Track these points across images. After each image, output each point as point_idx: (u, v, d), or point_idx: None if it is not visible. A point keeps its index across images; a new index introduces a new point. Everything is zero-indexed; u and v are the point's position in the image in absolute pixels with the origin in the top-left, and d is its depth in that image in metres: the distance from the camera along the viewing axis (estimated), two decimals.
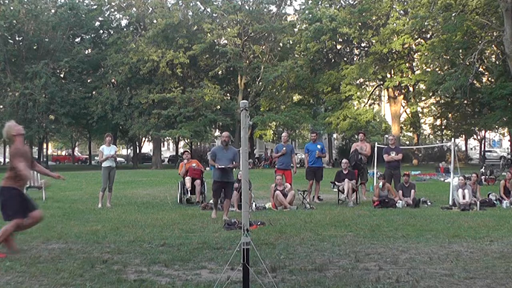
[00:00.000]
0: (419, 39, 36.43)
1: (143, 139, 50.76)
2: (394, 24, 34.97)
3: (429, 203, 12.26)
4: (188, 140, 45.76)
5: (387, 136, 26.71)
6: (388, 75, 38.13)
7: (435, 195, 14.27)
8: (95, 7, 41.40)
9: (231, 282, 4.86)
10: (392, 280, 5.04)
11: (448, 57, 32.45)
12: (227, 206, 9.74)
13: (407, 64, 37.73)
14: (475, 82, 32.68)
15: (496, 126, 40.00)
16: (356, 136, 14.24)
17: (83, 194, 15.24)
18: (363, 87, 41.52)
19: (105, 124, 40.40)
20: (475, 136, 47.80)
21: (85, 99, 39.50)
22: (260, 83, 39.50)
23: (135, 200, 13.29)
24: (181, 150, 48.08)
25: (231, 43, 38.02)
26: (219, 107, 40.29)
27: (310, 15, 37.70)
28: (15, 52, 38.39)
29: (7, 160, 57.45)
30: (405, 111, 42.21)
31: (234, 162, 9.62)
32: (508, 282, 4.98)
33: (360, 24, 36.85)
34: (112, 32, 42.46)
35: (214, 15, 40.31)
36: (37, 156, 49.35)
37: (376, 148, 15.51)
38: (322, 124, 38.36)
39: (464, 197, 11.40)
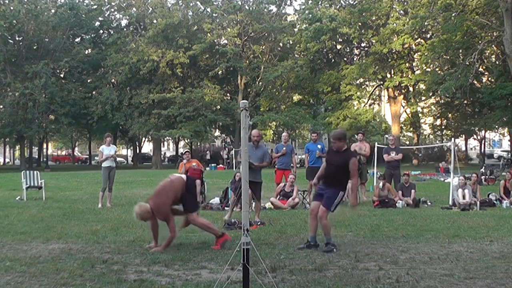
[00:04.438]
0: (419, 39, 36.41)
1: (143, 139, 50.76)
2: (394, 24, 34.94)
3: (429, 203, 12.25)
4: (188, 140, 45.76)
5: (387, 136, 26.70)
6: (388, 75, 38.11)
7: (435, 195, 14.26)
8: (95, 7, 41.41)
9: (231, 282, 4.86)
10: (392, 280, 5.04)
11: (448, 57, 32.43)
12: (258, 208, 9.11)
13: (407, 64, 37.70)
14: (475, 82, 32.65)
15: (496, 126, 39.98)
16: (356, 136, 14.18)
17: (83, 194, 15.23)
18: (363, 87, 41.51)
19: (105, 124, 40.40)
20: (475, 136, 47.80)
21: (85, 99, 39.50)
22: (260, 83, 39.50)
23: (135, 200, 13.23)
24: (181, 150, 48.07)
25: (231, 43, 38.02)
26: (219, 107, 40.30)
27: (310, 15, 37.67)
28: (15, 52, 38.36)
29: (7, 160, 57.60)
30: (405, 111, 42.19)
31: (264, 162, 9.05)
32: (508, 282, 4.98)
33: (360, 24, 36.82)
34: (112, 32, 42.48)
35: (214, 15, 40.32)
36: (37, 156, 49.45)
37: (376, 148, 15.50)
38: (322, 124, 38.34)
39: (464, 197, 11.39)
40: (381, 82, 39.37)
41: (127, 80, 39.23)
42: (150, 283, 4.93)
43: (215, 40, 39.18)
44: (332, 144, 6.79)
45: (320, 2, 39.01)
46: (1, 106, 38.43)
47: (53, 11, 40.16)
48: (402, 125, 43.43)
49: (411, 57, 38.69)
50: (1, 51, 36.18)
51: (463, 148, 48.74)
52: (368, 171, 14.57)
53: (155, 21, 39.48)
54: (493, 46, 31.69)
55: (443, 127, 45.99)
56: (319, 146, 13.26)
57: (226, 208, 11.11)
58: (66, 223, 8.94)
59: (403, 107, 41.05)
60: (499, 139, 58.36)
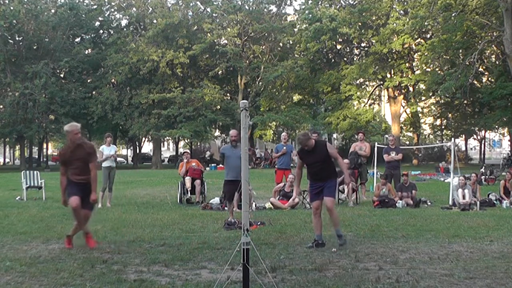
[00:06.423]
0: (419, 39, 36.40)
1: (143, 139, 50.75)
2: (394, 24, 34.92)
3: (429, 203, 12.25)
4: (188, 140, 45.75)
5: (387, 136, 26.71)
6: (388, 75, 38.11)
7: (435, 195, 14.26)
8: (95, 7, 41.43)
9: (231, 282, 4.86)
10: (392, 280, 5.04)
11: (448, 57, 32.45)
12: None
13: (407, 64, 37.71)
14: (475, 82, 32.67)
15: (496, 126, 40.00)
16: (356, 136, 14.18)
17: None
18: (363, 87, 41.51)
19: (105, 124, 40.39)
20: (475, 136, 47.83)
21: (85, 99, 39.49)
22: (260, 83, 39.50)
23: (135, 200, 13.29)
24: (181, 150, 48.06)
25: (231, 43, 38.03)
26: (219, 107, 40.31)
27: (310, 15, 37.66)
28: (15, 52, 38.38)
29: (7, 160, 57.60)
30: (405, 111, 42.20)
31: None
32: (508, 282, 4.98)
33: (360, 24, 36.82)
34: (112, 32, 42.49)
35: (214, 15, 40.33)
36: (37, 156, 49.43)
37: (376, 148, 15.49)
38: (322, 124, 38.35)
39: (464, 197, 11.39)
40: (381, 82, 39.37)
41: (127, 80, 39.24)
42: (150, 283, 4.93)
43: (215, 40, 39.19)
44: (306, 148, 6.81)
45: (320, 2, 39.00)
46: (1, 106, 38.43)
47: (53, 11, 40.17)
48: (402, 125, 43.44)
49: (411, 57, 38.69)
50: (1, 51, 36.19)
51: (463, 148, 48.77)
52: (368, 171, 14.56)
53: (155, 21, 39.49)
54: (493, 46, 31.70)
55: (443, 127, 46.02)
56: None
57: (226, 208, 11.11)
58: (66, 223, 8.92)
59: (403, 107, 41.06)
60: (499, 139, 58.36)
